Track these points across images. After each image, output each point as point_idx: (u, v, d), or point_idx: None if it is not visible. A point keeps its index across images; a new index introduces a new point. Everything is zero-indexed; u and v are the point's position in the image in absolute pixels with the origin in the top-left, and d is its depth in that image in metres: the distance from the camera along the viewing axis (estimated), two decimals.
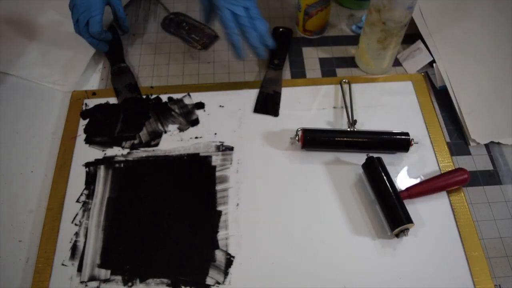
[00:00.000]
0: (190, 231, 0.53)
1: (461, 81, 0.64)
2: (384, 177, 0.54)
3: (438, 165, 0.58)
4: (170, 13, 0.75)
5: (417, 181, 0.57)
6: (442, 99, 0.65)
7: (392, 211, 0.52)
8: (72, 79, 0.66)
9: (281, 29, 0.72)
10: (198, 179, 0.57)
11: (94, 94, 0.65)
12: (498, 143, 0.61)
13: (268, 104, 0.63)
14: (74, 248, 0.52)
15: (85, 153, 0.59)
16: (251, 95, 0.64)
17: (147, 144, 0.60)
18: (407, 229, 0.51)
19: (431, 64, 0.68)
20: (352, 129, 0.59)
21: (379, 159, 0.55)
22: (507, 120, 0.61)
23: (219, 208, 0.55)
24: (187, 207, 0.55)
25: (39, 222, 0.54)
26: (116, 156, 0.59)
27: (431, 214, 0.54)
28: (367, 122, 0.62)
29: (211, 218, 0.54)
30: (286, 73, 0.68)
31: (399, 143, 0.57)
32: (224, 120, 0.62)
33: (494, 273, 0.51)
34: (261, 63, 0.69)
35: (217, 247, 0.52)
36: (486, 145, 0.61)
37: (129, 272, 0.51)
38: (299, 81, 0.66)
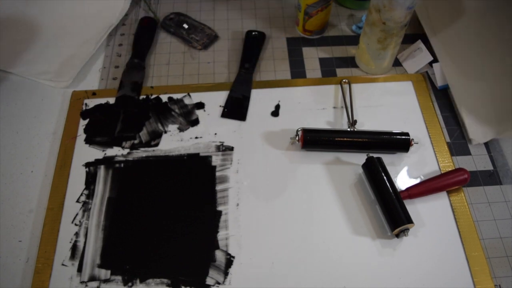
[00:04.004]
0: (190, 231, 0.53)
1: (461, 81, 0.64)
2: (384, 177, 0.54)
3: (438, 165, 0.58)
4: (171, 13, 0.75)
5: (417, 181, 0.57)
6: (442, 99, 0.65)
7: (392, 211, 0.52)
8: (69, 76, 0.66)
9: (254, 33, 0.71)
10: (198, 179, 0.57)
11: (94, 94, 0.65)
12: (498, 143, 0.61)
13: (236, 108, 0.63)
14: (74, 248, 0.52)
15: (85, 153, 0.59)
16: (252, 95, 0.65)
17: (147, 144, 0.60)
18: (407, 229, 0.51)
19: (431, 64, 0.68)
20: (352, 129, 0.59)
21: (379, 159, 0.55)
22: (507, 119, 0.61)
23: (219, 208, 0.55)
24: (187, 207, 0.55)
25: (39, 222, 0.54)
26: (116, 156, 0.59)
27: (431, 214, 0.54)
28: (367, 122, 0.62)
29: (211, 218, 0.54)
30: (286, 73, 0.68)
31: (399, 143, 0.57)
32: (224, 120, 0.62)
33: (494, 273, 0.51)
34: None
35: (217, 247, 0.52)
36: (486, 145, 0.61)
37: (129, 272, 0.51)
38: (299, 81, 0.66)
